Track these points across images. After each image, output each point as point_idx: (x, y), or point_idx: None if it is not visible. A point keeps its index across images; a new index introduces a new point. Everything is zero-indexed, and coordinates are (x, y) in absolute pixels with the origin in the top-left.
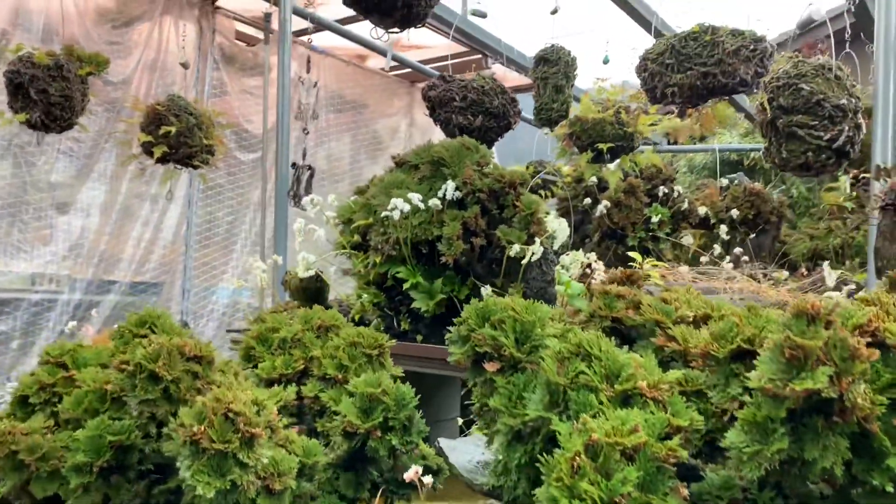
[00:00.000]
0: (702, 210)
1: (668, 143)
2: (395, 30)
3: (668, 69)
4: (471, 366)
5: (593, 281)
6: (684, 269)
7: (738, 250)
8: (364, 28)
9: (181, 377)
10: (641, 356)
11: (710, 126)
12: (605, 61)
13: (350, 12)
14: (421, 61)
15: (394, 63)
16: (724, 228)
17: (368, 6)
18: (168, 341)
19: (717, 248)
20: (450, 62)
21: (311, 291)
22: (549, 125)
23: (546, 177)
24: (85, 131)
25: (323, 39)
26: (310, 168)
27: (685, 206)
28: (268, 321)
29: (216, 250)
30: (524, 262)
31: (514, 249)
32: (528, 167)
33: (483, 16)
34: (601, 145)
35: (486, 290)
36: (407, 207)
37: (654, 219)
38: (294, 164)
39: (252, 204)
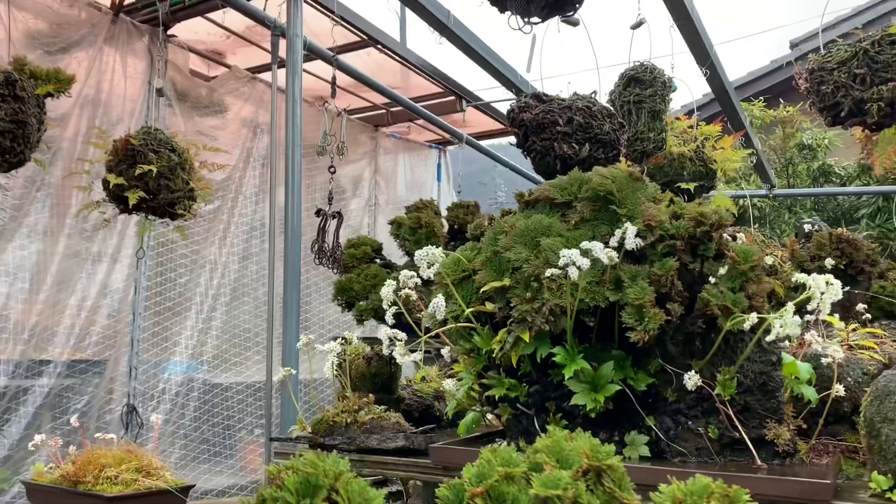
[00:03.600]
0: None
1: None
2: (536, 20)
3: (856, 80)
4: None
5: (833, 359)
6: None
7: (861, 306)
8: (347, 58)
9: None
10: None
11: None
12: (673, 88)
13: (338, 42)
14: (384, 104)
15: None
16: None
17: None
18: None
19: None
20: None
21: (383, 378)
22: (642, 158)
23: None
24: (42, 168)
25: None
26: (337, 215)
27: None
28: (486, 457)
29: (167, 318)
30: (767, 338)
31: (751, 320)
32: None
33: (576, 24)
34: (684, 185)
35: (692, 378)
36: (586, 263)
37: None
38: (319, 211)
39: (208, 263)
